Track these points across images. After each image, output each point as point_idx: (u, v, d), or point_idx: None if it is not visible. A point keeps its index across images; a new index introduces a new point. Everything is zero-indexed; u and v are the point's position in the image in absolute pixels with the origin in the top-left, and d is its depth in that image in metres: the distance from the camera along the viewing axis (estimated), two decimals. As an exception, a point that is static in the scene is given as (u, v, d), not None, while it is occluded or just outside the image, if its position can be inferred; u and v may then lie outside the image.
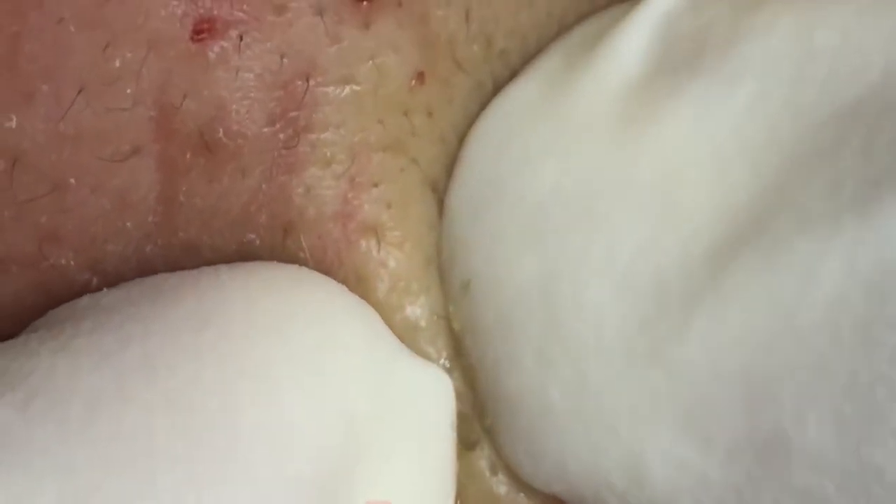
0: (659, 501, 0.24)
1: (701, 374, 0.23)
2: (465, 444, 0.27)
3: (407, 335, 0.27)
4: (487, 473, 0.27)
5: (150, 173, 0.26)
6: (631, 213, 0.25)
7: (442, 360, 0.28)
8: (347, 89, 0.27)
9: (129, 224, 0.26)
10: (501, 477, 0.27)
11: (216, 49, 0.26)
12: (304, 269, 0.26)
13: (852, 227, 0.22)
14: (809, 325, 0.22)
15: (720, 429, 0.23)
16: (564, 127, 0.27)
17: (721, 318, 0.23)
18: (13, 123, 0.24)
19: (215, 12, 0.25)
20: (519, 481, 0.27)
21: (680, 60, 0.26)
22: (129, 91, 0.25)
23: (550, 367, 0.26)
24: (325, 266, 0.27)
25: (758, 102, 0.24)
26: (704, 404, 0.23)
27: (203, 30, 0.25)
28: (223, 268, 0.25)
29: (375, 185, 0.27)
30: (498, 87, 0.29)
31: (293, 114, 0.26)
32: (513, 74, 0.29)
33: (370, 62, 0.27)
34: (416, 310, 0.28)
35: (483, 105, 0.29)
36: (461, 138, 0.29)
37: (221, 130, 0.26)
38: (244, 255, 0.26)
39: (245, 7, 0.26)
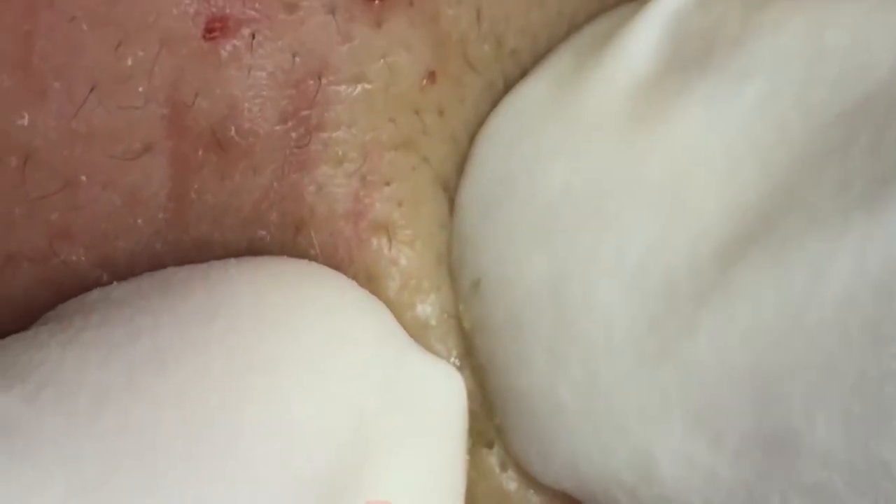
0: (669, 499, 0.24)
1: (710, 373, 0.23)
2: (483, 442, 0.27)
3: (417, 334, 0.27)
4: (497, 470, 0.27)
5: (162, 171, 0.25)
6: (640, 212, 0.25)
7: (452, 359, 0.27)
8: (359, 88, 0.27)
9: (140, 221, 0.25)
10: (511, 473, 0.27)
11: (228, 48, 0.25)
12: (314, 264, 0.26)
13: (861, 225, 0.22)
14: (818, 323, 0.22)
15: (729, 426, 0.23)
16: (574, 126, 0.27)
17: (730, 317, 0.23)
18: (25, 121, 0.24)
19: (227, 11, 0.25)
20: (529, 478, 0.27)
21: (689, 59, 0.26)
22: (141, 89, 0.25)
23: (560, 365, 0.25)
24: (336, 264, 0.27)
25: (767, 101, 0.24)
26: (714, 402, 0.23)
27: (215, 28, 0.25)
28: (232, 262, 0.25)
29: (387, 184, 0.27)
30: (509, 87, 0.28)
31: (305, 112, 0.26)
32: (523, 74, 0.28)
33: (382, 61, 0.27)
34: (427, 308, 0.27)
35: (494, 104, 0.28)
36: (472, 137, 0.28)
37: (233, 128, 0.26)
38: (255, 252, 0.26)
39: (257, 5, 0.25)
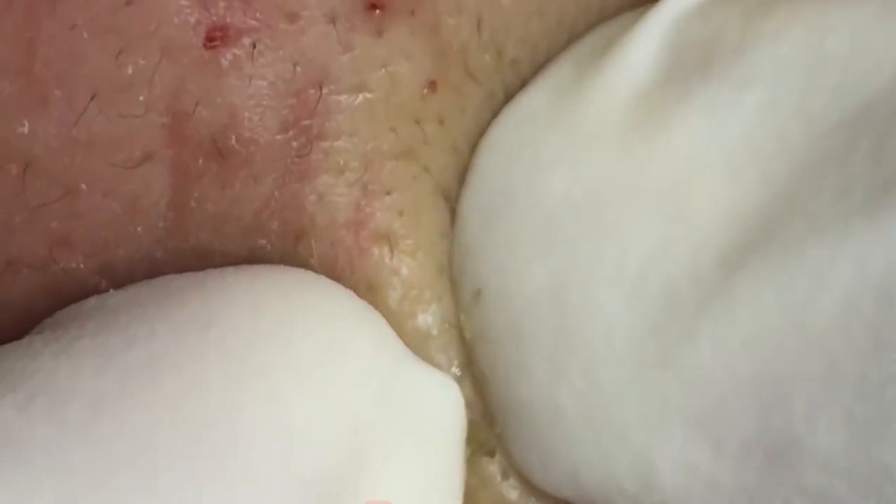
0: (670, 506, 0.24)
1: (711, 379, 0.23)
2: (484, 451, 0.27)
3: (418, 343, 0.27)
4: (499, 478, 0.27)
5: (162, 179, 0.25)
6: (641, 221, 0.25)
7: (453, 369, 0.27)
8: (360, 97, 0.26)
9: (139, 229, 0.25)
10: (513, 482, 0.27)
11: (229, 57, 0.25)
12: (311, 273, 0.26)
13: (862, 230, 0.22)
14: (820, 328, 0.22)
15: (730, 432, 0.23)
16: (574, 135, 0.27)
17: (731, 323, 0.23)
18: (26, 128, 0.24)
19: (228, 20, 0.25)
20: (530, 486, 0.27)
21: (689, 67, 0.26)
22: (141, 98, 0.25)
23: (561, 374, 0.25)
24: (337, 273, 0.26)
25: (767, 109, 0.24)
26: (715, 408, 0.23)
27: (216, 37, 0.25)
28: (229, 270, 0.25)
29: (388, 193, 0.27)
30: (509, 97, 0.28)
31: (306, 122, 0.26)
32: (524, 84, 0.28)
33: (383, 70, 0.26)
34: (428, 318, 0.27)
35: (494, 114, 0.28)
36: (473, 147, 0.28)
37: (234, 137, 0.26)
38: (254, 260, 0.26)
39: (258, 15, 0.25)
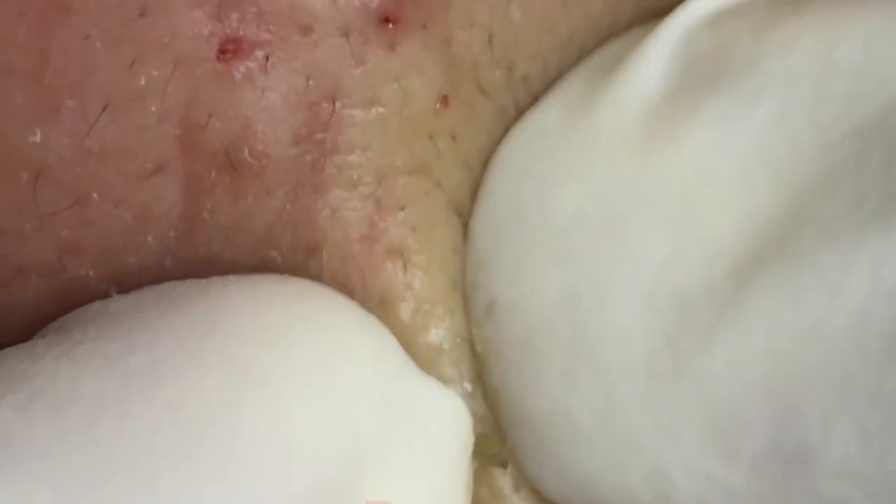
0: (685, 516, 0.23)
1: (726, 388, 0.23)
2: (496, 463, 0.26)
3: (430, 357, 0.26)
4: (510, 491, 0.26)
5: (174, 190, 0.25)
6: (654, 233, 0.24)
7: (465, 383, 0.27)
8: (373, 111, 0.26)
9: (150, 238, 0.25)
10: (524, 494, 0.26)
11: (242, 69, 0.25)
12: (314, 283, 0.25)
13: (875, 239, 0.21)
14: (835, 337, 0.21)
15: (745, 441, 0.22)
16: (586, 151, 0.26)
17: (746, 333, 0.22)
18: (38, 137, 0.24)
19: (241, 32, 0.25)
20: (542, 498, 0.26)
21: (700, 79, 0.25)
22: (154, 109, 0.24)
23: (576, 386, 0.25)
24: (349, 287, 0.26)
25: (779, 120, 0.24)
26: (729, 417, 0.22)
27: (229, 49, 0.25)
28: (232, 278, 0.24)
29: (402, 209, 0.26)
30: (520, 113, 0.28)
31: (319, 136, 0.26)
32: (534, 100, 0.28)
33: (395, 84, 0.26)
34: (440, 332, 0.27)
35: (506, 130, 0.28)
36: (485, 164, 0.28)
37: (247, 150, 0.25)
38: (264, 272, 0.26)
39: (271, 27, 0.25)
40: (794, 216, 0.23)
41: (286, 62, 0.25)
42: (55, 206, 0.24)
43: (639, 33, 0.27)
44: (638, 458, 0.24)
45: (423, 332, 0.26)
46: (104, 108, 0.24)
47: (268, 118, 0.25)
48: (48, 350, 0.22)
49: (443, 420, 0.25)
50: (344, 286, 0.26)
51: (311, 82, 0.25)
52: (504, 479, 0.26)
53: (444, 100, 0.27)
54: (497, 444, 0.26)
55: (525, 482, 0.26)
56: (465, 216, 0.28)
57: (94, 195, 0.24)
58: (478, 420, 0.26)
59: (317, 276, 0.26)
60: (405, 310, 0.26)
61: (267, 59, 0.25)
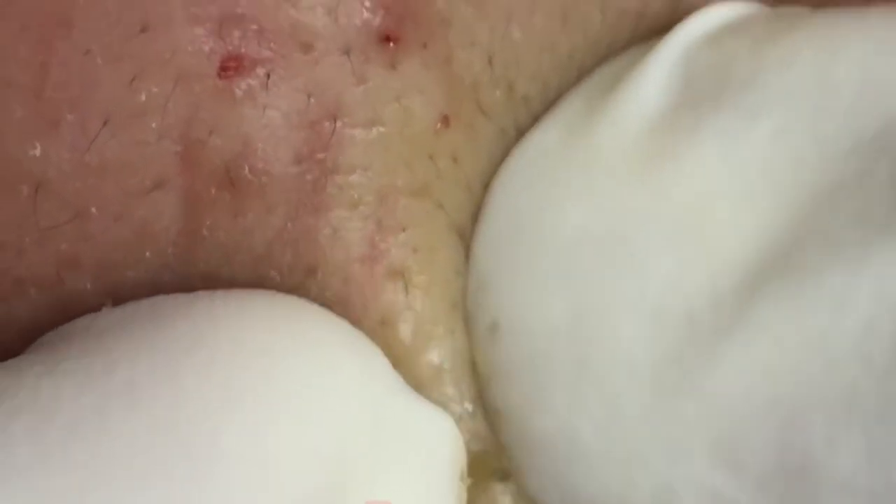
0: (692, 533, 0.23)
1: (732, 404, 0.22)
2: (497, 478, 0.26)
3: (431, 377, 0.26)
4: (512, 507, 0.26)
5: (174, 206, 0.25)
6: (658, 250, 0.24)
7: (465, 403, 0.26)
8: (374, 131, 0.26)
9: (149, 253, 0.25)
10: (526, 511, 0.26)
11: (243, 86, 0.25)
12: (303, 301, 0.25)
13: (881, 253, 0.21)
14: (840, 352, 0.21)
15: (751, 457, 0.22)
16: (588, 170, 0.26)
17: (751, 347, 0.22)
18: (38, 151, 0.24)
19: (243, 50, 0.25)
20: (544, 516, 0.26)
21: (700, 96, 0.25)
22: (154, 125, 0.24)
23: (581, 405, 0.24)
24: (349, 307, 0.26)
25: (781, 135, 0.24)
26: (735, 433, 0.22)
27: (230, 67, 0.25)
28: (219, 293, 0.24)
29: (403, 230, 0.26)
30: (521, 134, 0.28)
31: (320, 155, 0.25)
32: (535, 121, 0.28)
33: (396, 103, 0.26)
34: (441, 352, 0.26)
35: (506, 152, 0.27)
36: (486, 186, 0.27)
37: (247, 167, 0.25)
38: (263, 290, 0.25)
39: (272, 45, 0.25)
40: (798, 231, 0.23)
41: (287, 80, 0.25)
42: (55, 220, 0.24)
43: (638, 52, 0.27)
44: (644, 476, 0.23)
45: (423, 351, 0.26)
46: (104, 124, 0.24)
47: (269, 136, 0.25)
48: (31, 367, 0.21)
49: (433, 439, 0.24)
50: (344, 306, 0.26)
51: (312, 100, 0.25)
52: (505, 498, 0.26)
53: (445, 120, 0.26)
54: (497, 462, 0.26)
55: (526, 500, 0.26)
56: (466, 238, 0.27)
57: (94, 210, 0.24)
58: (479, 440, 0.25)
59: (317, 296, 0.25)
60: (406, 330, 0.26)
61: (268, 76, 0.25)
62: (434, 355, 0.26)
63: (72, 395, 0.20)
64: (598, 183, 0.26)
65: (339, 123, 0.25)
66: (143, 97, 0.24)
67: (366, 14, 0.25)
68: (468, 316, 0.27)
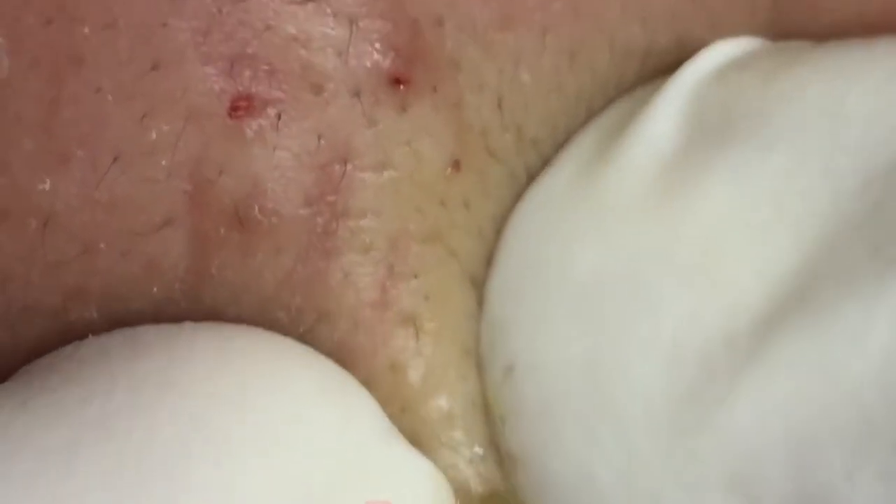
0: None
1: (748, 441, 0.21)
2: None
3: (441, 422, 0.25)
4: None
5: (182, 245, 0.24)
6: (672, 289, 0.24)
7: (475, 448, 0.25)
8: (385, 175, 0.25)
9: (156, 289, 0.24)
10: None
11: (254, 126, 0.24)
12: (288, 340, 0.24)
13: None
14: (857, 386, 0.20)
15: (768, 492, 0.21)
16: (600, 211, 0.26)
17: (768, 385, 0.21)
18: (47, 185, 0.23)
19: (253, 90, 0.24)
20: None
21: (711, 133, 0.25)
22: (164, 163, 0.24)
23: (598, 445, 0.24)
24: (358, 352, 0.25)
25: (793, 170, 0.23)
26: (752, 469, 0.21)
27: (240, 107, 0.24)
28: (203, 326, 0.23)
29: (415, 277, 0.26)
30: (531, 178, 0.27)
31: (331, 198, 0.25)
32: (545, 163, 0.27)
33: (407, 146, 0.25)
34: (451, 398, 0.25)
35: (517, 197, 0.27)
36: (498, 232, 0.27)
37: (257, 208, 0.25)
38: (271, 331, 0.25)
39: (283, 86, 0.25)
40: (813, 267, 0.22)
41: (297, 121, 0.25)
42: (63, 254, 0.24)
43: (646, 91, 0.26)
44: (662, 512, 0.22)
45: (433, 397, 0.25)
46: (114, 160, 0.24)
47: (279, 177, 0.25)
48: (9, 399, 0.21)
49: (412, 486, 0.23)
50: (353, 350, 0.25)
51: (322, 142, 0.25)
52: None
53: (456, 164, 0.26)
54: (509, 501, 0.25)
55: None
56: (478, 283, 0.27)
57: (102, 245, 0.24)
58: (489, 483, 0.25)
59: (326, 339, 0.25)
60: (415, 375, 0.25)
61: (279, 116, 0.25)
62: (443, 400, 0.25)
63: (43, 429, 0.20)
64: (611, 224, 0.25)
65: (349, 166, 0.25)
66: (154, 135, 0.24)
67: (376, 56, 0.25)
68: (481, 360, 0.26)
